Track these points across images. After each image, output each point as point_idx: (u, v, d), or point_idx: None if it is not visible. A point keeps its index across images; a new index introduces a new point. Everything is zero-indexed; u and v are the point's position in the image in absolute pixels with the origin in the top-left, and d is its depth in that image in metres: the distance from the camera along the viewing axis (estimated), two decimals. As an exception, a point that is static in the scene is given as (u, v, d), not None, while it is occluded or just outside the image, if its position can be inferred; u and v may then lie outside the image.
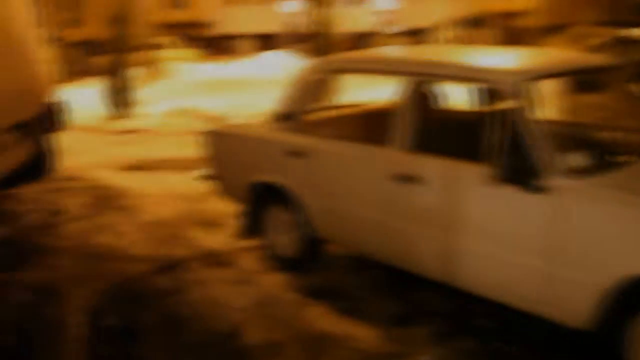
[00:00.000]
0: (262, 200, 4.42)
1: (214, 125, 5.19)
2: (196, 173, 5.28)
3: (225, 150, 4.82)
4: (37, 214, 5.89)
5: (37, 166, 7.14)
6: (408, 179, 3.43)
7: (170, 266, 4.47)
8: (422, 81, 3.69)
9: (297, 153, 4.06)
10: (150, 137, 10.51)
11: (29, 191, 6.59)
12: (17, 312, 3.82)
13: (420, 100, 3.67)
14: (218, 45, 33.03)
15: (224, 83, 17.87)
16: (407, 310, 3.69)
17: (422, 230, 3.43)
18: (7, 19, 6.28)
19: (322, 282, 4.07)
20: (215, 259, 4.55)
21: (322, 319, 3.59)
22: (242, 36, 33.63)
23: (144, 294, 4.07)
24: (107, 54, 13.83)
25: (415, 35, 31.90)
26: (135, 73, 14.84)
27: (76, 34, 25.70)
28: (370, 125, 4.40)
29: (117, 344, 3.48)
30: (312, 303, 3.78)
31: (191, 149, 6.60)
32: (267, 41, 31.26)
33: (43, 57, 7.44)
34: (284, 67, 20.73)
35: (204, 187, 5.41)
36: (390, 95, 4.35)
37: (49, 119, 7.45)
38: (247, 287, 4.06)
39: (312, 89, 4.22)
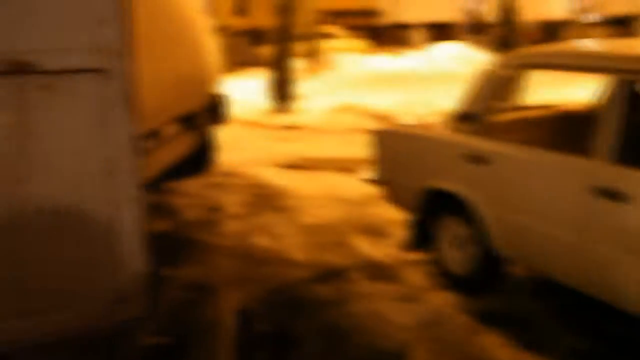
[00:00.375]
0: (434, 209, 4.39)
1: (382, 123, 5.26)
2: (361, 175, 5.36)
3: (394, 152, 4.85)
4: (196, 209, 6.30)
5: (199, 160, 7.64)
6: (613, 195, 3.23)
7: (330, 275, 4.57)
8: (634, 80, 3.47)
9: (477, 158, 3.98)
10: (312, 134, 10.85)
11: (189, 185, 7.07)
12: (173, 310, 4.10)
13: (631, 102, 3.44)
14: (388, 35, 33.32)
15: (394, 77, 17.99)
16: (601, 348, 3.48)
17: (627, 257, 3.21)
18: (179, 7, 6.77)
19: (499, 307, 3.96)
20: (379, 271, 4.59)
21: (498, 348, 3.49)
22: (414, 26, 33.64)
23: (301, 302, 4.20)
24: (271, 44, 14.46)
25: (620, 25, 30.02)
26: (299, 64, 15.37)
27: (240, 23, 27.18)
28: (566, 130, 4.21)
29: (271, 352, 3.63)
30: (486, 329, 3.69)
31: (356, 149, 6.73)
32: (442, 31, 30.99)
33: (211, 47, 7.95)
34: (461, 60, 20.48)
35: (369, 190, 5.48)
36: (591, 95, 4.14)
37: (213, 111, 7.95)
38: (413, 304, 4.06)
39: (498, 86, 4.12)
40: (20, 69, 2.61)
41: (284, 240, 5.35)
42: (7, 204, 2.69)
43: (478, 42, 24.44)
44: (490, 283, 4.19)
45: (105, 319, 2.90)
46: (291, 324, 3.88)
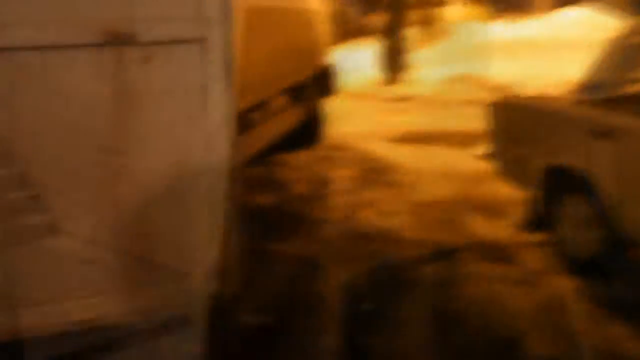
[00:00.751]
0: (555, 187, 4.23)
1: (499, 95, 5.13)
2: (477, 150, 5.25)
3: (512, 126, 4.71)
4: (304, 183, 6.37)
5: (307, 133, 7.70)
6: None
7: (441, 255, 4.51)
8: None
9: (605, 133, 3.78)
10: (426, 106, 10.71)
11: (298, 159, 7.16)
12: (278, 285, 4.17)
13: None
14: (508, 1, 32.29)
15: (514, 46, 17.41)
16: None
17: None
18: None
19: (626, 294, 3.77)
20: (493, 252, 4.49)
21: (626, 340, 3.32)
22: (537, -11, 32.41)
23: (408, 282, 4.17)
24: (384, 12, 14.32)
25: None
26: (412, 33, 15.16)
27: (351, -10, 27.06)
28: None
29: (374, 332, 3.62)
30: (612, 318, 3.53)
31: (472, 122, 6.57)
32: (569, -5, 29.69)
33: (321, 15, 7.95)
34: (589, 26, 19.56)
35: (484, 166, 5.35)
36: None
37: (322, 82, 7.97)
38: (530, 288, 3.94)
39: (629, 54, 3.91)
40: (119, 39, 2.67)
41: (393, 217, 5.32)
42: (105, 177, 2.76)
43: (609, 6, 23.27)
44: (616, 268, 4.01)
45: (201, 294, 2.95)
46: (398, 305, 3.86)
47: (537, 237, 4.50)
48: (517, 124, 4.70)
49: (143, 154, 2.78)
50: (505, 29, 22.07)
